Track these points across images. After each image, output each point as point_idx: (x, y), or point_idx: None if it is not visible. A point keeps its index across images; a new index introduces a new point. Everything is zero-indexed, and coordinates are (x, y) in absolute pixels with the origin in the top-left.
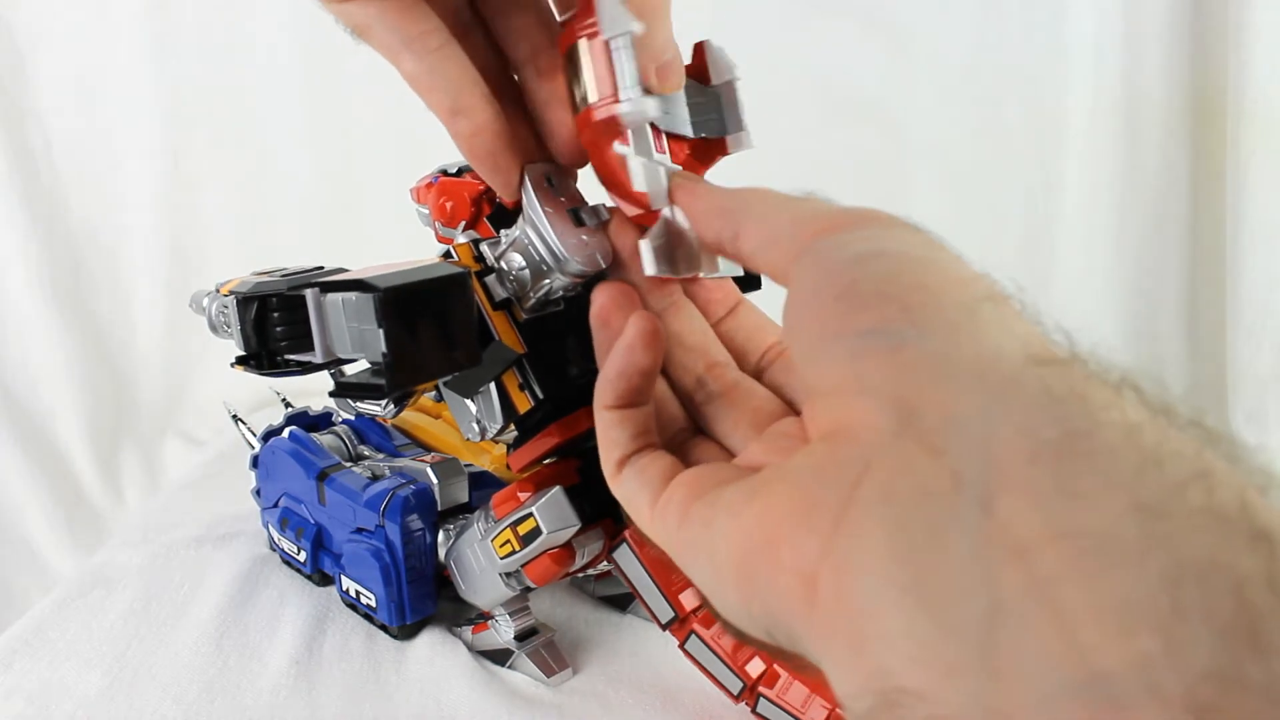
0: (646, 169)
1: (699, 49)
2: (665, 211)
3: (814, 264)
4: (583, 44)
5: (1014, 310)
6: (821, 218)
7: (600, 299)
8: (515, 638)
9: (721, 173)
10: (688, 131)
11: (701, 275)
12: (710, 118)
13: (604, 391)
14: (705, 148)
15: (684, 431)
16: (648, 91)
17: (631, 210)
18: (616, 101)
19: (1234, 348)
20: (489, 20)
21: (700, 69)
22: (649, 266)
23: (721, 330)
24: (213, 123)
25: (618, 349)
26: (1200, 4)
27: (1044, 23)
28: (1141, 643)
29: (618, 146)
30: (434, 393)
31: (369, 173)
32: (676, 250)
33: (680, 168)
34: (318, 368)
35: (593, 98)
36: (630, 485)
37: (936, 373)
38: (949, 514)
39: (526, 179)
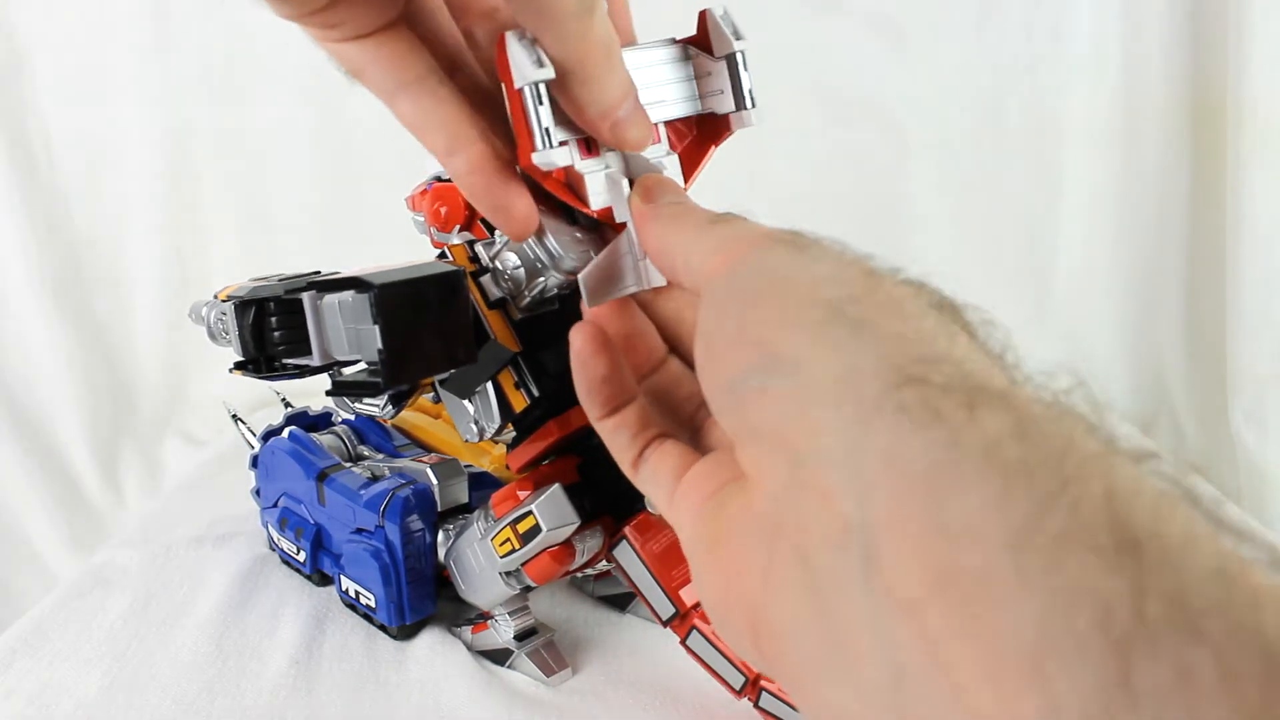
0: (601, 183)
1: (702, 18)
2: (630, 227)
3: (703, 312)
4: (504, 87)
5: (869, 312)
6: (713, 258)
7: (576, 342)
8: (515, 637)
9: (723, 167)
10: (693, 109)
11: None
12: (719, 92)
13: (588, 406)
14: (712, 123)
15: (703, 408)
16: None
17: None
18: (533, 149)
19: (1234, 348)
20: (482, 60)
21: (705, 40)
22: (588, 300)
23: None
24: (213, 122)
25: (574, 365)
26: (1200, 4)
27: (1044, 23)
28: (1023, 706)
29: (578, 164)
30: (432, 394)
31: (369, 171)
32: (640, 262)
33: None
34: (315, 371)
35: (520, 143)
36: (647, 485)
37: (802, 409)
38: (846, 570)
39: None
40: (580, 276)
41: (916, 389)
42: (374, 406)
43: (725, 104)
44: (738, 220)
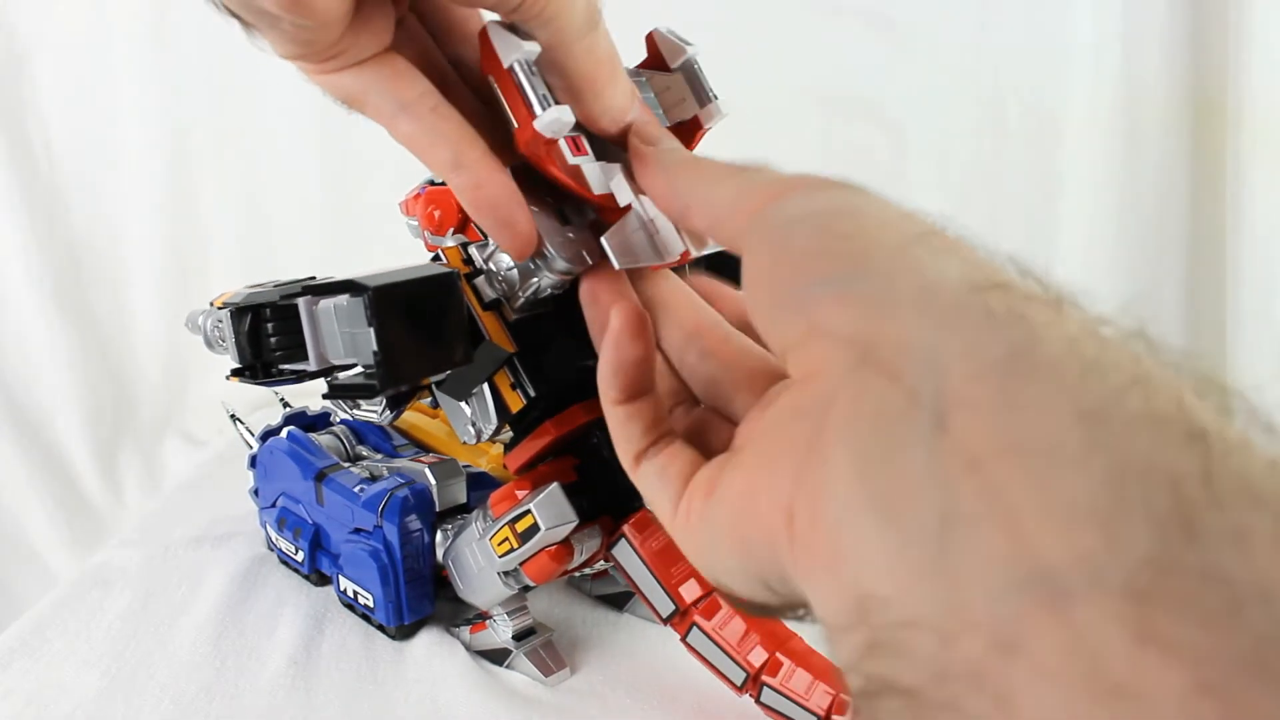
0: (597, 172)
1: (650, 40)
2: (634, 204)
3: (758, 238)
4: (492, 81)
5: (948, 242)
6: (759, 190)
7: (587, 279)
8: (513, 637)
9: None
10: (664, 122)
11: (692, 254)
12: (681, 100)
13: (606, 387)
14: (684, 130)
15: (706, 417)
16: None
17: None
18: (533, 118)
19: (1234, 348)
20: (472, 82)
21: (657, 58)
22: (614, 261)
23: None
24: (213, 123)
25: (606, 344)
26: (1200, 4)
27: (1044, 23)
28: (1084, 537)
29: (570, 159)
30: (430, 399)
31: (369, 170)
32: (653, 237)
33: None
34: (312, 376)
35: (515, 124)
36: (649, 485)
37: (883, 308)
38: (908, 431)
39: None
40: (604, 239)
41: (1001, 293)
42: (372, 412)
43: (690, 108)
44: (766, 167)
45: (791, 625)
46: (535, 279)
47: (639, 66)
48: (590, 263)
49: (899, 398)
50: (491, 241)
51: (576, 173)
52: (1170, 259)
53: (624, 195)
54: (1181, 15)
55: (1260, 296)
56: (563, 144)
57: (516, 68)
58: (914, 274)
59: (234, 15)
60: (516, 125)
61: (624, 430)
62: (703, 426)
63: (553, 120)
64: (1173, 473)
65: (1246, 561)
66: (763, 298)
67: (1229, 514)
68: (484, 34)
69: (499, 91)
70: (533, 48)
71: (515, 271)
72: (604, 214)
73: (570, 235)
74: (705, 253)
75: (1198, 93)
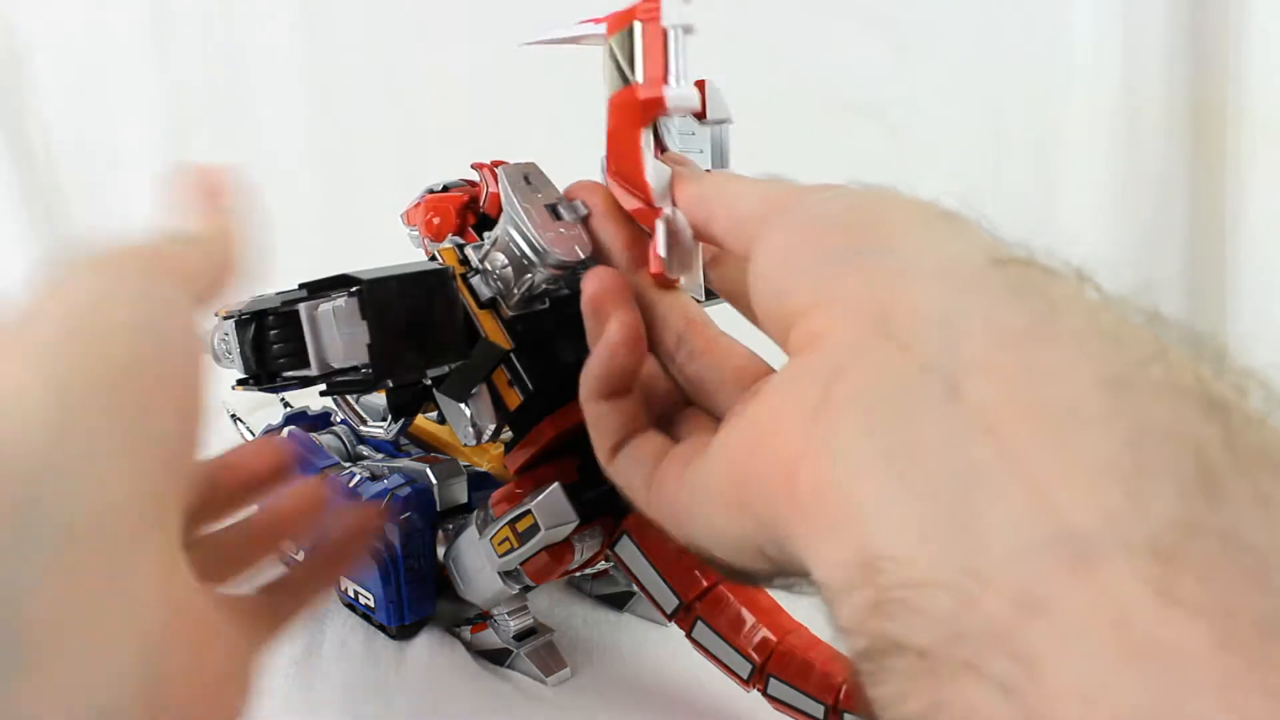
0: (657, 164)
1: (700, 85)
2: (666, 210)
3: (777, 225)
4: (639, 25)
5: (970, 224)
6: (783, 192)
7: (591, 286)
8: (514, 637)
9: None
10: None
11: (680, 284)
12: (697, 150)
13: (589, 386)
14: None
15: (675, 406)
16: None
17: (631, 203)
18: (665, 84)
19: (1234, 348)
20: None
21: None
22: (661, 249)
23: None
24: (213, 124)
25: (600, 348)
26: (1200, 4)
27: (1044, 23)
28: (1109, 498)
29: (645, 134)
30: (435, 412)
31: (369, 173)
32: (672, 250)
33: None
34: (314, 380)
35: (639, 78)
36: (625, 471)
37: (903, 278)
38: (920, 396)
39: (504, 178)
40: (660, 222)
41: (1020, 268)
42: (379, 428)
43: (703, 162)
44: (786, 178)
45: (799, 617)
46: (530, 275)
47: None
48: (582, 256)
49: (910, 365)
50: (486, 241)
51: (641, 151)
52: (1170, 259)
53: (666, 205)
54: (1181, 15)
55: (1260, 296)
56: (661, 124)
57: (672, 33)
58: (934, 247)
59: None
60: (640, 79)
61: (602, 424)
62: (685, 421)
63: (680, 97)
64: (1196, 438)
65: (1270, 525)
66: (776, 271)
67: (1251, 479)
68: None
69: (640, 38)
70: (692, 21)
71: (510, 269)
72: (639, 212)
73: (562, 231)
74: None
75: (1198, 93)
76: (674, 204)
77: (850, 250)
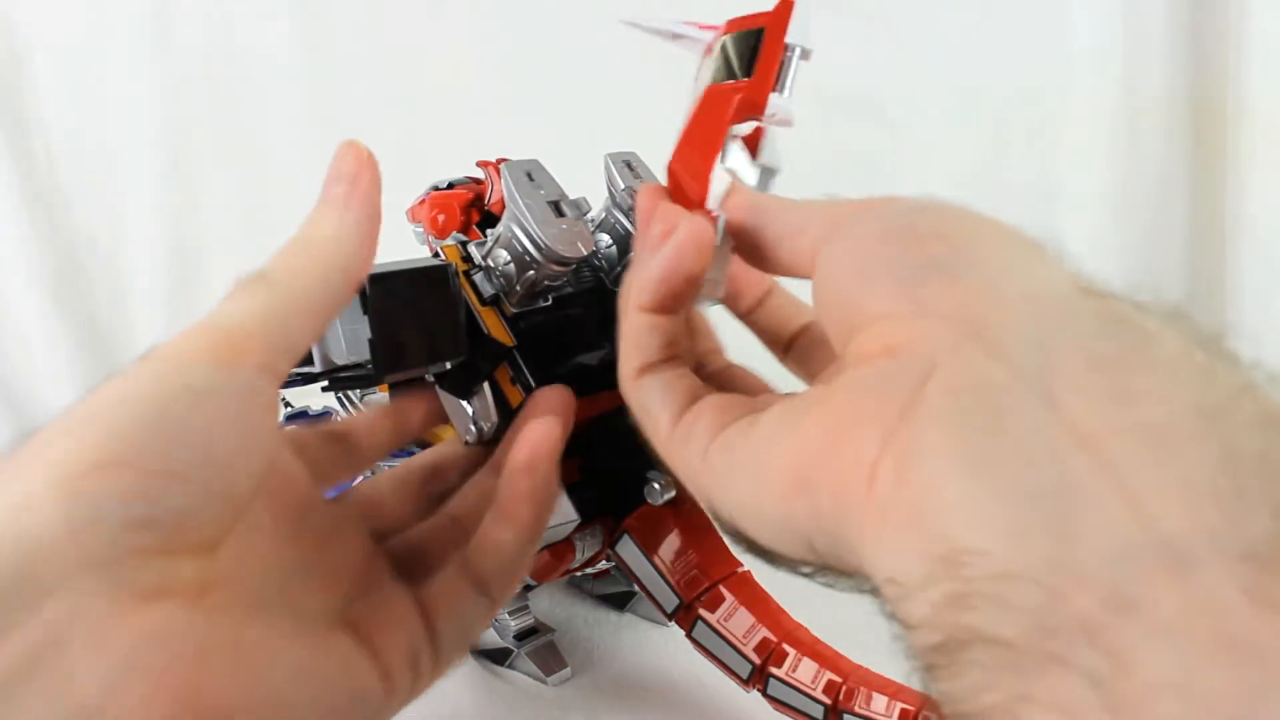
0: (723, 168)
1: (757, 130)
2: (716, 211)
3: (854, 224)
4: (764, 31)
5: (1052, 253)
6: (846, 205)
7: (646, 197)
8: (515, 637)
9: None
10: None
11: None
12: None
13: (642, 291)
14: None
15: (714, 360)
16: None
17: (681, 198)
18: (773, 90)
19: (1234, 348)
20: None
21: (754, 141)
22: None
23: (754, 316)
24: (213, 123)
25: (669, 250)
26: (1200, 4)
27: (1044, 23)
28: (1206, 514)
29: (731, 132)
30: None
31: None
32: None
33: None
34: (317, 377)
35: (748, 76)
36: (651, 395)
37: (994, 298)
38: (1014, 403)
39: (507, 175)
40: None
41: (1107, 300)
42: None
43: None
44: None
45: (799, 618)
46: (532, 272)
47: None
48: (584, 253)
49: (1004, 373)
50: (489, 239)
51: (717, 147)
52: (1170, 259)
53: (715, 200)
54: (1181, 15)
55: (1260, 297)
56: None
57: (794, 49)
58: (1021, 271)
59: None
60: (750, 78)
61: (639, 339)
62: (721, 375)
63: (781, 108)
64: None
65: None
66: (846, 279)
67: None
68: (789, 2)
69: (763, 43)
70: (810, 47)
71: (513, 266)
72: (694, 194)
73: (564, 227)
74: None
75: (1198, 93)
76: (722, 209)
77: (939, 264)
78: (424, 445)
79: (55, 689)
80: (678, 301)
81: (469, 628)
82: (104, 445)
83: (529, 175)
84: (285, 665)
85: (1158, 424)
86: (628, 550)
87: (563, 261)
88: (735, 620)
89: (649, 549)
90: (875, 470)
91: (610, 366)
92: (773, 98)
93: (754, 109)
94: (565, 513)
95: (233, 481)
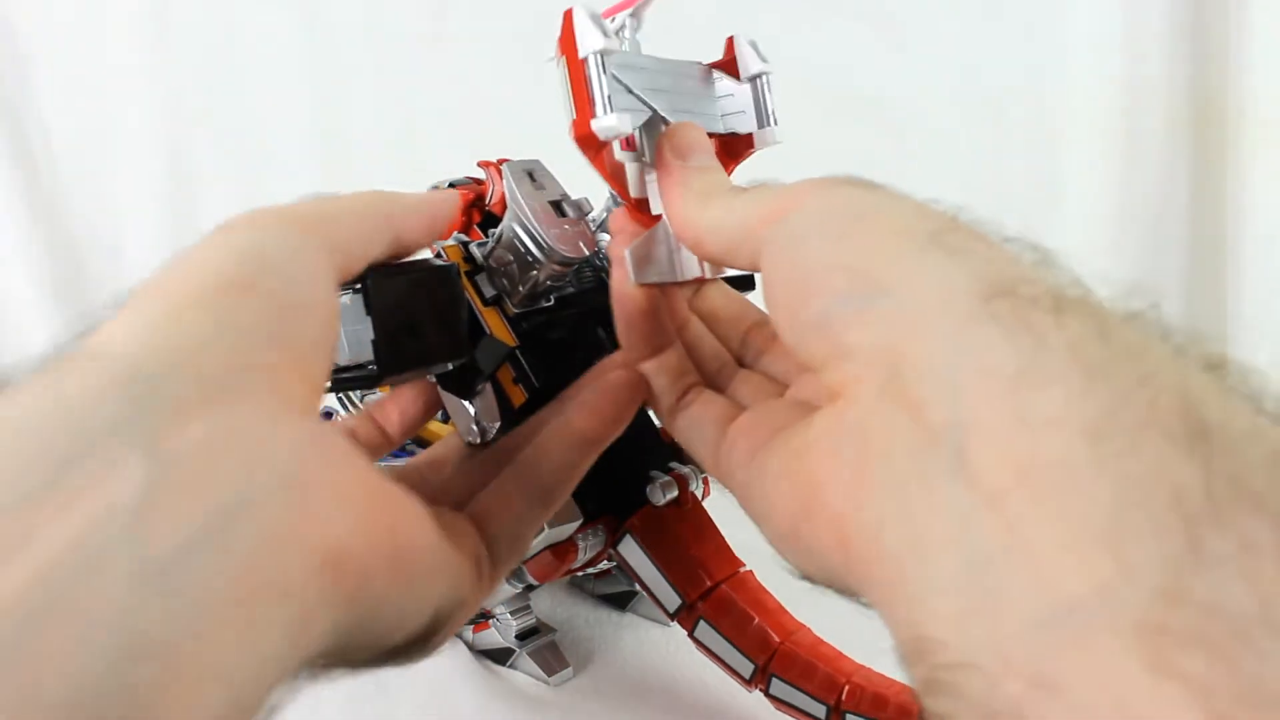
0: (637, 175)
1: (729, 43)
2: (665, 216)
3: (772, 257)
4: (562, 61)
5: (963, 238)
6: (766, 207)
7: (617, 282)
8: (517, 637)
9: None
10: (716, 127)
11: (705, 276)
12: (740, 111)
13: (629, 345)
14: (734, 143)
15: (727, 366)
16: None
17: (636, 215)
18: (593, 116)
19: (1234, 348)
20: None
21: (730, 64)
22: (633, 275)
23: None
24: (213, 123)
25: (615, 302)
26: (1200, 3)
27: (1044, 23)
28: (1100, 568)
29: (618, 154)
30: (441, 411)
31: (371, 172)
32: (673, 254)
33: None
34: None
35: (573, 113)
36: (685, 435)
37: (903, 326)
38: (934, 469)
39: (508, 175)
40: (626, 252)
41: (1007, 300)
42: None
43: (747, 123)
44: (768, 184)
45: (801, 617)
46: (534, 271)
47: (713, 65)
48: (586, 253)
49: (923, 435)
50: (491, 239)
51: (620, 170)
52: (1170, 259)
53: (656, 205)
54: (1181, 15)
55: (1260, 296)
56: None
57: (591, 61)
58: (928, 283)
59: None
60: (575, 115)
61: (654, 384)
62: (741, 385)
63: (609, 127)
64: (1176, 486)
65: (1252, 588)
66: (785, 317)
67: (1231, 529)
68: (569, 15)
69: (567, 76)
70: (612, 44)
71: (515, 266)
72: (633, 213)
73: (566, 227)
74: (721, 276)
75: (1198, 93)
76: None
77: (852, 296)
78: (427, 444)
79: (250, 453)
80: (658, 338)
81: (522, 534)
82: (226, 271)
83: (530, 175)
84: (412, 519)
85: (1054, 463)
86: (630, 550)
87: (565, 262)
88: (737, 621)
89: (651, 549)
90: (848, 538)
91: None
92: (597, 122)
93: (592, 142)
94: (567, 513)
95: (324, 321)
